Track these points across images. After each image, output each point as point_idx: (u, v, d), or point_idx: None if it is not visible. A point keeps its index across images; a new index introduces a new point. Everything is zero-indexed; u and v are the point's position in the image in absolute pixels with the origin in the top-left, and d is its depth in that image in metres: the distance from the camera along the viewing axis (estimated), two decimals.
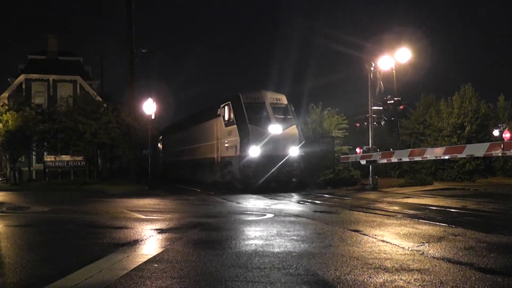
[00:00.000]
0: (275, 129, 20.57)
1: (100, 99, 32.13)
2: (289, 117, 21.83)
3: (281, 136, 20.59)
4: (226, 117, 22.02)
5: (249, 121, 20.72)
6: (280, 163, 20.16)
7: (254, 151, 20.07)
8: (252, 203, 15.24)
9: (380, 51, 21.01)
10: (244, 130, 20.63)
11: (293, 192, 20.02)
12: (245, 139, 20.27)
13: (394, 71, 20.24)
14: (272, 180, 20.22)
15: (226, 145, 22.05)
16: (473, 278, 4.77)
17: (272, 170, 20.08)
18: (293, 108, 22.55)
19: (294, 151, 20.73)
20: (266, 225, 9.29)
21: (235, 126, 21.14)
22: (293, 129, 21.45)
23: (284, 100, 22.26)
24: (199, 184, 25.59)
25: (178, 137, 32.18)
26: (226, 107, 22.23)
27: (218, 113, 23.19)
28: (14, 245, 7.29)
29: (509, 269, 5.27)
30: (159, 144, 38.63)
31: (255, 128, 20.58)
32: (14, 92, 35.34)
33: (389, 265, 5.37)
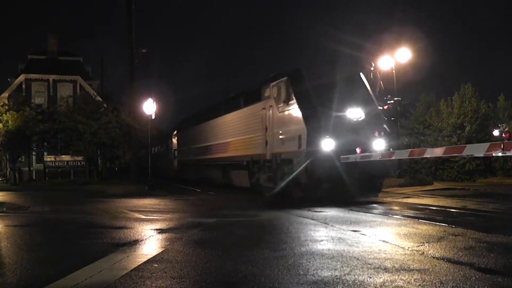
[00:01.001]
0: (354, 113, 14.57)
1: (100, 99, 32.15)
2: (369, 97, 15.50)
3: (362, 124, 14.57)
4: (282, 98, 15.44)
5: (318, 103, 14.56)
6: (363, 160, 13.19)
7: (328, 145, 13.95)
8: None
9: (380, 51, 21.02)
10: (312, 115, 14.37)
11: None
12: (314, 128, 14.12)
13: (394, 71, 20.26)
14: (342, 183, 13.94)
15: (280, 137, 15.63)
16: (473, 278, 4.77)
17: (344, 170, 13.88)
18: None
19: (379, 144, 14.44)
20: None
21: (296, 110, 14.81)
22: (377, 114, 15.34)
23: (360, 75, 16.06)
24: (234, 189, 20.70)
25: (201, 131, 25.26)
26: (280, 86, 15.75)
27: (266, 94, 16.92)
28: (14, 245, 7.29)
29: (509, 269, 5.26)
30: (172, 141, 33.37)
31: (326, 112, 14.35)
32: (14, 92, 35.36)
33: (389, 265, 5.37)
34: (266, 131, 16.57)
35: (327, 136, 13.96)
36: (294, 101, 14.93)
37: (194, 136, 26.41)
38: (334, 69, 15.53)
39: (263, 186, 17.02)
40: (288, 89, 15.26)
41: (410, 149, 9.28)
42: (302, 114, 14.49)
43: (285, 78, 15.52)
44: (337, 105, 14.39)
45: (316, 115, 14.29)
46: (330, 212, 11.36)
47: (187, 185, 26.26)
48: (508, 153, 7.00)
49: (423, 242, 6.93)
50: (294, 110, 14.94)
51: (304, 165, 14.20)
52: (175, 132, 32.35)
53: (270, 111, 16.34)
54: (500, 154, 7.12)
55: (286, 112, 15.38)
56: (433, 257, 5.82)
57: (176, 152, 32.03)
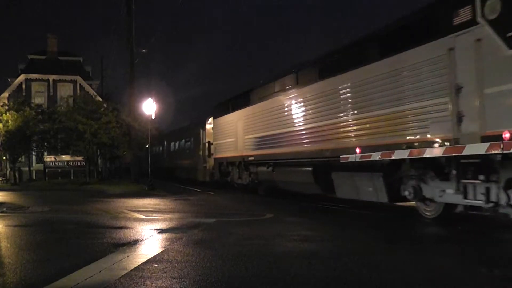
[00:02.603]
0: None
1: (100, 99, 32.11)
2: None
3: None
4: None
5: None
6: None
7: None
8: None
9: None
10: None
11: None
12: None
13: None
14: None
15: None
16: None
17: None
18: None
19: None
20: None
21: None
22: None
23: None
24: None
25: (270, 111, 15.96)
26: None
27: (460, 19, 8.47)
28: (14, 245, 7.30)
29: None
30: (204, 132, 24.78)
31: None
32: (14, 92, 35.34)
33: None
34: (457, 92, 8.42)
35: None
36: None
37: (254, 121, 17.14)
38: None
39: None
40: None
41: (410, 149, 9.21)
42: None
43: None
44: None
45: None
46: None
47: (187, 185, 26.25)
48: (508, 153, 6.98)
49: None
50: None
51: None
52: (210, 120, 23.68)
53: (473, 53, 8.13)
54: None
55: None
56: None
57: (212, 147, 22.78)
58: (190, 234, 7.99)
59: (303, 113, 13.79)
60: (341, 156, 11.41)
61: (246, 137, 17.90)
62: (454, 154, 8.05)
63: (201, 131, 25.58)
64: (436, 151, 8.45)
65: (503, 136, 7.10)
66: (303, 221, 10.29)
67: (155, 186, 22.32)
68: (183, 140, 30.65)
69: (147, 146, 25.51)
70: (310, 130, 13.38)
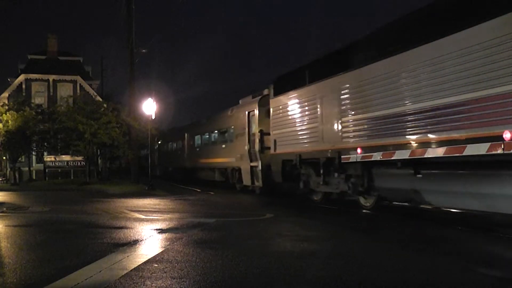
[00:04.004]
0: None
1: (100, 99, 32.12)
2: None
3: None
4: None
5: None
6: None
7: None
8: None
9: None
10: None
11: None
12: None
13: None
14: None
15: None
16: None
17: None
18: None
19: None
20: None
21: None
22: None
23: None
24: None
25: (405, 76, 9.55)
26: None
27: None
28: (14, 245, 7.29)
29: None
30: (252, 119, 18.38)
31: None
32: (14, 92, 35.35)
33: None
34: None
35: None
36: None
37: (373, 91, 10.59)
38: None
39: None
40: None
41: (410, 150, 9.21)
42: None
43: None
44: None
45: None
46: None
47: (187, 185, 26.24)
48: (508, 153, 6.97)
49: None
50: None
51: None
52: (260, 98, 17.58)
53: None
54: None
55: None
56: None
57: (266, 139, 16.69)
58: (190, 234, 7.98)
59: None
60: (342, 156, 11.37)
61: (347, 119, 11.35)
62: (455, 154, 8.03)
63: (247, 116, 18.51)
64: (438, 151, 8.43)
65: None
66: (303, 221, 10.29)
67: (155, 186, 22.31)
68: (216, 132, 23.47)
69: (159, 142, 24.30)
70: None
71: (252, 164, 17.94)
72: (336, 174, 12.27)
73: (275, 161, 15.39)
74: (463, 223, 9.22)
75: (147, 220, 10.37)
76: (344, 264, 5.62)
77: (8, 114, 27.23)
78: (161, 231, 8.48)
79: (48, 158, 30.93)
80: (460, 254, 6.46)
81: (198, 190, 21.96)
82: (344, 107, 11.47)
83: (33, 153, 31.81)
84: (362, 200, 11.89)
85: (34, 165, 33.47)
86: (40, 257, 6.18)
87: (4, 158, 32.22)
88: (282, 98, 14.92)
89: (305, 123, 13.42)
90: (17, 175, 29.68)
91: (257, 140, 17.33)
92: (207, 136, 25.39)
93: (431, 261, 5.85)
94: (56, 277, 4.88)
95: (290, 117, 14.32)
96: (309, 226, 9.41)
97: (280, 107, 15.00)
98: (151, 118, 23.62)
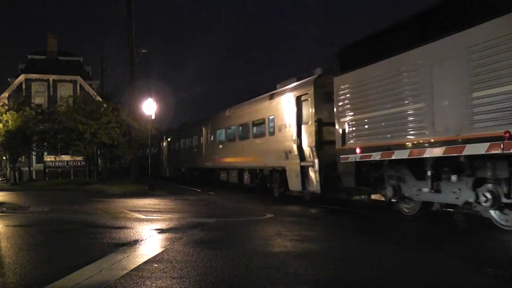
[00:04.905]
0: None
1: (100, 99, 32.11)
2: None
3: None
4: None
5: None
6: None
7: None
8: None
9: None
10: None
11: None
12: None
13: None
14: None
15: None
16: None
17: None
18: None
19: None
20: None
21: None
22: None
23: None
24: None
25: None
26: None
27: None
28: (14, 245, 7.29)
29: None
30: (310, 101, 13.70)
31: None
32: (14, 92, 35.34)
33: None
34: None
35: None
36: None
37: None
38: None
39: None
40: None
41: (410, 149, 9.20)
42: None
43: None
44: None
45: None
46: None
47: (187, 185, 26.22)
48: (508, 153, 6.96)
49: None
50: None
51: None
52: (316, 78, 13.76)
53: None
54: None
55: None
56: None
57: (326, 130, 13.09)
58: (190, 234, 7.98)
59: None
60: (341, 156, 11.03)
61: (482, 94, 7.71)
62: (454, 154, 8.03)
63: (295, 103, 14.37)
64: (436, 151, 8.43)
65: None
66: (303, 221, 10.28)
67: (155, 186, 22.31)
68: (246, 124, 18.75)
69: (168, 139, 23.23)
70: None
71: (304, 163, 13.83)
72: (454, 178, 8.73)
73: (342, 162, 11.50)
74: None
75: (147, 220, 10.37)
76: None
77: (8, 114, 27.22)
78: (161, 231, 8.48)
79: (48, 158, 30.95)
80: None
81: (198, 190, 21.95)
82: (477, 77, 7.73)
83: (33, 153, 31.81)
84: (500, 218, 8.17)
85: (34, 165, 33.47)
86: (40, 257, 6.18)
87: (4, 158, 32.20)
88: (355, 74, 11.11)
89: (399, 104, 9.58)
90: (17, 175, 29.68)
91: (313, 133, 13.40)
92: (234, 130, 20.37)
93: None
94: (56, 277, 4.88)
95: (370, 99, 10.51)
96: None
97: (353, 86, 11.18)
98: (151, 118, 23.62)
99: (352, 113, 11.11)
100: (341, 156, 11.43)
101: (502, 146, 7.09)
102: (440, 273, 5.18)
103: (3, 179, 32.76)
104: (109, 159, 32.79)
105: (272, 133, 16.28)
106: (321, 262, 5.76)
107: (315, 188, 13.32)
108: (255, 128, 17.98)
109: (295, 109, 14.41)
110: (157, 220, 10.45)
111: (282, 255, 6.17)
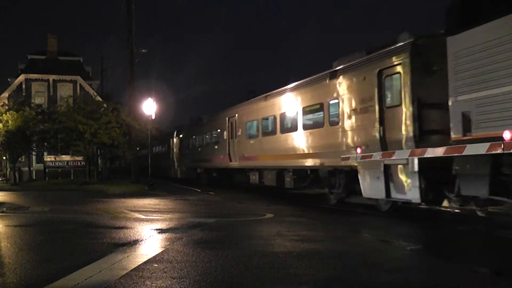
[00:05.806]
0: None
1: (100, 99, 32.09)
2: None
3: None
4: None
5: None
6: None
7: None
8: None
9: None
10: None
11: None
12: None
13: None
14: None
15: None
16: None
17: None
18: None
19: None
20: None
21: None
22: None
23: None
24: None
25: None
26: None
27: None
28: (14, 245, 7.29)
29: None
30: (407, 75, 9.82)
31: None
32: (14, 92, 35.35)
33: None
34: None
35: None
36: None
37: None
38: None
39: None
40: None
41: (410, 149, 9.19)
42: None
43: None
44: None
45: None
46: None
47: (187, 185, 26.20)
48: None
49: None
50: None
51: None
52: (413, 43, 9.95)
53: None
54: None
55: None
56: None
57: (433, 117, 9.60)
58: (190, 234, 7.98)
59: None
60: (342, 156, 11.19)
61: None
62: (454, 154, 8.01)
63: (377, 80, 10.91)
64: (437, 151, 8.40)
65: None
66: (303, 221, 10.27)
67: (155, 186, 22.30)
68: (294, 113, 15.08)
69: (180, 136, 22.34)
70: None
71: (390, 161, 10.09)
72: None
73: (474, 156, 7.75)
74: None
75: (147, 220, 10.37)
76: None
77: (8, 114, 27.23)
78: (161, 231, 8.48)
79: (48, 158, 30.93)
80: None
81: (198, 190, 21.94)
82: None
83: (33, 153, 31.81)
84: None
85: (34, 165, 33.47)
86: (40, 257, 6.18)
87: (4, 158, 32.21)
88: (488, 28, 7.61)
89: None
90: (17, 175, 29.69)
91: (408, 118, 9.84)
92: (271, 121, 16.76)
93: None
94: (56, 277, 4.87)
95: None
96: None
97: (485, 47, 7.62)
98: (151, 118, 23.62)
99: (485, 86, 7.55)
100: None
101: None
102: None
103: (3, 179, 32.76)
104: (109, 159, 32.79)
105: (335, 122, 12.64)
106: (321, 262, 5.75)
107: (410, 195, 9.44)
108: (306, 117, 14.38)
109: (376, 88, 10.87)
110: (157, 220, 10.45)
111: (282, 255, 6.16)
